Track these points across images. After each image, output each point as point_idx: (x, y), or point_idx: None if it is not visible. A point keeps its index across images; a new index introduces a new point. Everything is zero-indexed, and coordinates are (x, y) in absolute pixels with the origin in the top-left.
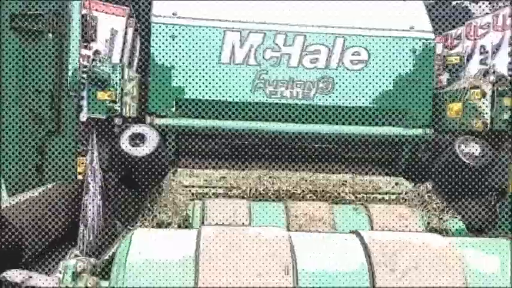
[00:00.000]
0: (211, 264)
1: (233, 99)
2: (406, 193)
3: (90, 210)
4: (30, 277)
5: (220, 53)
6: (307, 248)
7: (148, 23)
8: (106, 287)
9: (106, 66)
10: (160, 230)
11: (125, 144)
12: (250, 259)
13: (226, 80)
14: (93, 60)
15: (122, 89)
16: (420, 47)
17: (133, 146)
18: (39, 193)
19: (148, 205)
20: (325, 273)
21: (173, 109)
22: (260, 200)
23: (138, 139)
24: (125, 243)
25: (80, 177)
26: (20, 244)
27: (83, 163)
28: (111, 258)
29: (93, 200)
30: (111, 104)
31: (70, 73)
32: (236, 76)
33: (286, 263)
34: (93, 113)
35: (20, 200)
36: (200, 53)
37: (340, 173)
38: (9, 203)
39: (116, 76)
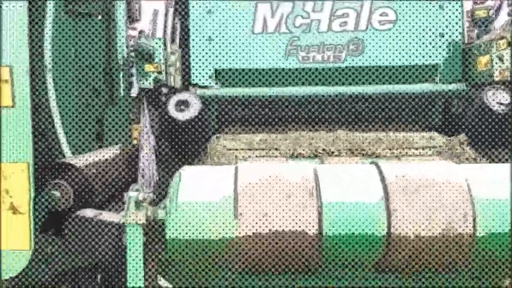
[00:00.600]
0: (247, 194)
1: (268, 67)
2: (439, 146)
3: (146, 167)
4: (101, 213)
5: (253, 23)
6: (329, 175)
7: (187, 1)
8: (162, 217)
9: (150, 42)
10: (205, 167)
11: (171, 110)
12: (280, 187)
13: (261, 48)
14: (139, 37)
15: (166, 61)
16: (447, 4)
17: (178, 111)
18: (103, 152)
19: None
20: (344, 193)
21: (213, 79)
22: (297, 157)
23: (183, 105)
24: (176, 179)
25: (134, 142)
26: (90, 192)
27: (136, 129)
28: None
29: (147, 160)
30: (157, 75)
31: (119, 50)
32: (269, 44)
33: (310, 186)
34: (143, 83)
35: (87, 156)
36: (235, 25)
37: (376, 131)
38: (79, 159)
39: (160, 49)
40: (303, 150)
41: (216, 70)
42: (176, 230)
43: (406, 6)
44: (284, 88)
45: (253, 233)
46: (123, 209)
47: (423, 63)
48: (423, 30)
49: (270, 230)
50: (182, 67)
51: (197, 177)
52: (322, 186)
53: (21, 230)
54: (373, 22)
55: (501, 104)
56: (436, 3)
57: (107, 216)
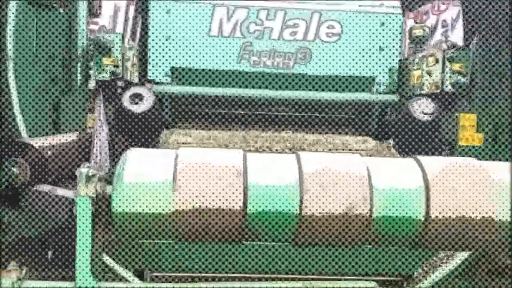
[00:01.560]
0: (184, 174)
1: (221, 68)
2: (370, 149)
3: (99, 154)
4: (55, 189)
5: (210, 26)
6: (256, 161)
7: (146, 0)
8: (109, 192)
9: (109, 36)
10: (150, 150)
11: (126, 102)
12: (213, 169)
13: (216, 50)
14: (99, 31)
15: (123, 56)
16: (388, 21)
17: (133, 103)
18: (59, 136)
19: None
20: (266, 176)
21: (169, 76)
22: None
23: (137, 98)
24: (123, 158)
25: (89, 130)
26: (46, 171)
27: (92, 119)
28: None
29: (100, 147)
30: (114, 68)
31: (79, 43)
32: (224, 47)
33: (239, 169)
34: (100, 75)
35: (43, 139)
36: (192, 27)
37: (318, 133)
38: (36, 141)
39: (117, 44)
40: (251, 147)
41: (172, 68)
42: (121, 205)
43: (353, 20)
44: (236, 89)
45: (187, 208)
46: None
47: (363, 75)
48: (364, 44)
49: (201, 205)
50: (140, 63)
51: (142, 158)
52: (249, 169)
53: None
54: (321, 34)
55: (425, 113)
56: (379, 19)
57: (61, 191)
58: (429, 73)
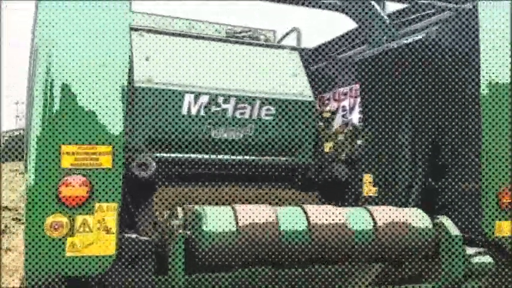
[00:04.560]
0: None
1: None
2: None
3: None
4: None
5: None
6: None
7: None
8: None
9: None
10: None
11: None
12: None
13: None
14: None
15: None
16: (304, 107)
17: (140, 170)
18: None
19: None
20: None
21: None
22: None
23: (143, 165)
24: (196, 214)
25: None
26: None
27: None
28: None
29: None
30: None
31: None
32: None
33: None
34: None
35: None
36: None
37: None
38: None
39: None
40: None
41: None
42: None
43: (280, 106)
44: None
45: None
46: None
47: (289, 143)
48: (289, 123)
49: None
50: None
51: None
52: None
53: None
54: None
55: (342, 175)
56: (298, 104)
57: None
58: (340, 146)
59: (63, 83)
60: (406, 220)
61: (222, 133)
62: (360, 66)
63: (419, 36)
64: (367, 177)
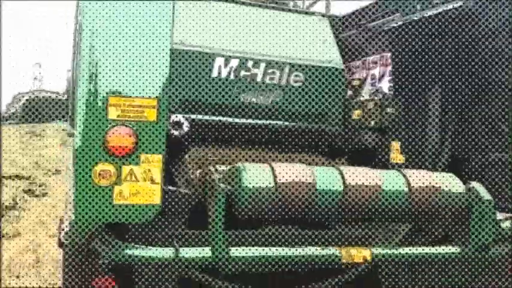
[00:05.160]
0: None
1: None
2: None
3: None
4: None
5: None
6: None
7: None
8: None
9: None
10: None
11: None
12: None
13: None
14: None
15: None
16: (333, 74)
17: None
18: None
19: None
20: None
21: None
22: None
23: (177, 125)
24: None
25: None
26: None
27: None
28: None
29: None
30: None
31: None
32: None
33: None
34: None
35: None
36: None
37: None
38: None
39: None
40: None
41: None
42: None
43: (313, 73)
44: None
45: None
46: None
47: (319, 112)
48: (319, 90)
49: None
50: None
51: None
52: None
53: None
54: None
55: (369, 142)
56: (326, 71)
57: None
58: (369, 114)
59: (109, 38)
60: (440, 183)
61: (250, 97)
62: (393, 34)
63: (457, 4)
64: (395, 145)
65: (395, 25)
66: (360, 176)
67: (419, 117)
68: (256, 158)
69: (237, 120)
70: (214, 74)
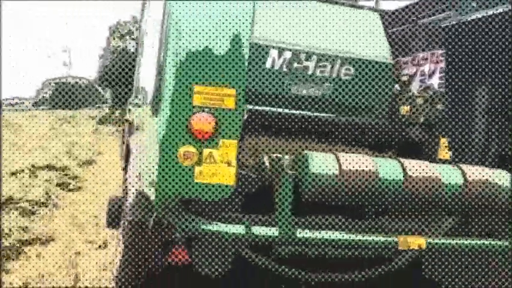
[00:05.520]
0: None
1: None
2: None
3: None
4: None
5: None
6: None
7: None
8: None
9: None
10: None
11: None
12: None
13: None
14: None
15: None
16: (383, 68)
17: None
18: None
19: None
20: None
21: None
22: None
23: None
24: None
25: None
26: None
27: None
28: None
29: None
30: None
31: None
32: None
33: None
34: None
35: None
36: None
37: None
38: None
39: None
40: None
41: None
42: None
43: (362, 68)
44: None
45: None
46: None
47: (368, 107)
48: (367, 85)
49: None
50: None
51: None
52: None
53: None
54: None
55: (418, 137)
56: (374, 66)
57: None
58: (418, 109)
59: (194, 33)
60: (494, 178)
61: (302, 89)
62: (447, 33)
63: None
64: (444, 141)
65: (449, 23)
66: (420, 168)
67: (468, 115)
68: (306, 148)
69: (286, 111)
70: (268, 65)
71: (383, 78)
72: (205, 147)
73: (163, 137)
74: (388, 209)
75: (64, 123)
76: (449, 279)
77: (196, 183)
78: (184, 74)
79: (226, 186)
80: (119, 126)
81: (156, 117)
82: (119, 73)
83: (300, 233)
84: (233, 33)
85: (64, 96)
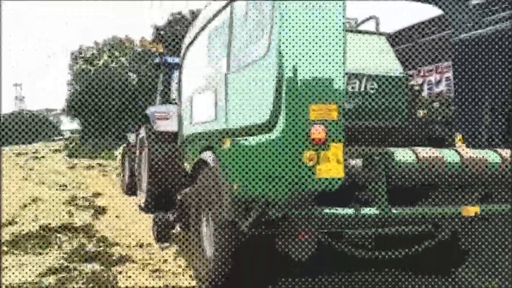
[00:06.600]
0: None
1: None
2: None
3: None
4: None
5: None
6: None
7: None
8: None
9: None
10: None
11: None
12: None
13: None
14: None
15: None
16: (398, 81)
17: None
18: None
19: None
20: None
21: None
22: None
23: None
24: None
25: None
26: None
27: None
28: None
29: None
30: None
31: None
32: None
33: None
34: None
35: None
36: None
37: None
38: None
39: None
40: None
41: None
42: None
43: (383, 83)
44: None
45: None
46: None
47: (390, 110)
48: (390, 95)
49: None
50: None
51: None
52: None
53: None
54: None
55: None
56: (391, 79)
57: None
58: (435, 111)
59: (305, 61)
60: None
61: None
62: (454, 46)
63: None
64: (459, 136)
65: (454, 40)
66: (470, 152)
67: (476, 115)
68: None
69: None
70: None
71: (399, 89)
72: (321, 150)
73: (290, 143)
74: (451, 185)
75: (28, 159)
76: (482, 247)
77: (318, 178)
78: (301, 98)
79: (339, 179)
80: (93, 159)
81: (270, 131)
82: (88, 103)
83: (394, 210)
84: (333, 59)
85: (16, 130)
